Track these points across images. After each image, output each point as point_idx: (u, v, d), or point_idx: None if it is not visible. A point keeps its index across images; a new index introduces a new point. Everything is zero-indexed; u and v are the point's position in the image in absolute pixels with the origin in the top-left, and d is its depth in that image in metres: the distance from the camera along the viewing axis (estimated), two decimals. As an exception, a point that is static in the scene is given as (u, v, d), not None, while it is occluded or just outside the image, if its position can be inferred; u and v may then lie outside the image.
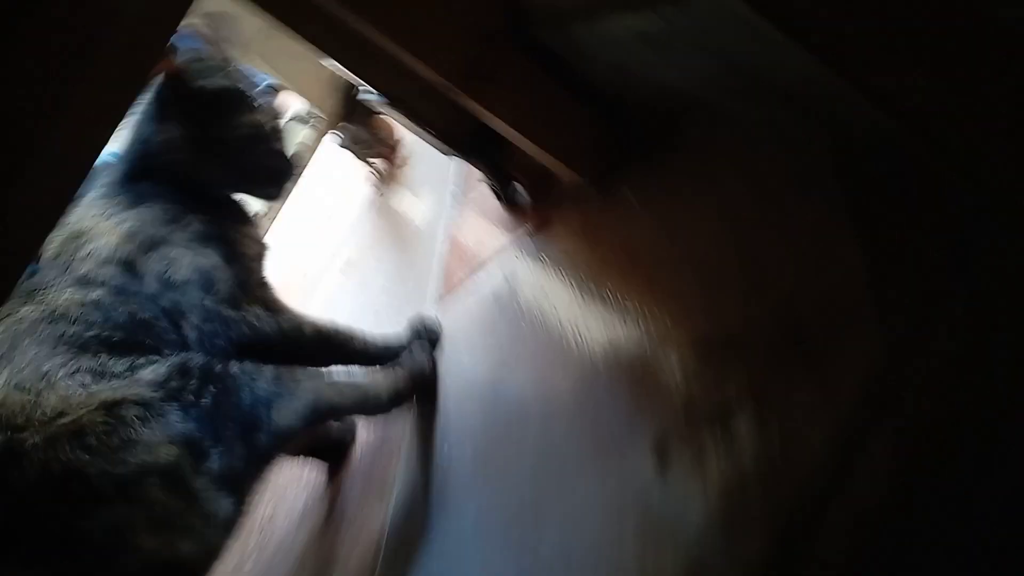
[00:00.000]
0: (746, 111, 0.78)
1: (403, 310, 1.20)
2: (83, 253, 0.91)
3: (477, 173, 1.15)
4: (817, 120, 0.69)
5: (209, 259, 0.96)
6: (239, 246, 1.03)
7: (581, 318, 0.85)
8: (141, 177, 1.02)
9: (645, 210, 0.87)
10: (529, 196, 1.09)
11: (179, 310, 0.90)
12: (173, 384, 0.79)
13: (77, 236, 0.94)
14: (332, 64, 1.11)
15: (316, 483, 1.17)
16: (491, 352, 1.00)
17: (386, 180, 1.72)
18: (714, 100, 0.82)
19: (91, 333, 0.83)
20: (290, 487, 1.22)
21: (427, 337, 1.09)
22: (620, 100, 0.96)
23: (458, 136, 1.10)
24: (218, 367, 0.83)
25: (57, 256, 0.92)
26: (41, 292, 0.86)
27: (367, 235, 1.69)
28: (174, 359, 0.81)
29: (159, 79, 1.02)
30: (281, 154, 1.10)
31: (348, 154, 1.71)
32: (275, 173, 1.10)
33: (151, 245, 0.94)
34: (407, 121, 1.11)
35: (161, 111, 1.03)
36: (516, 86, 0.93)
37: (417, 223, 1.45)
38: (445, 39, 0.90)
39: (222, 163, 1.06)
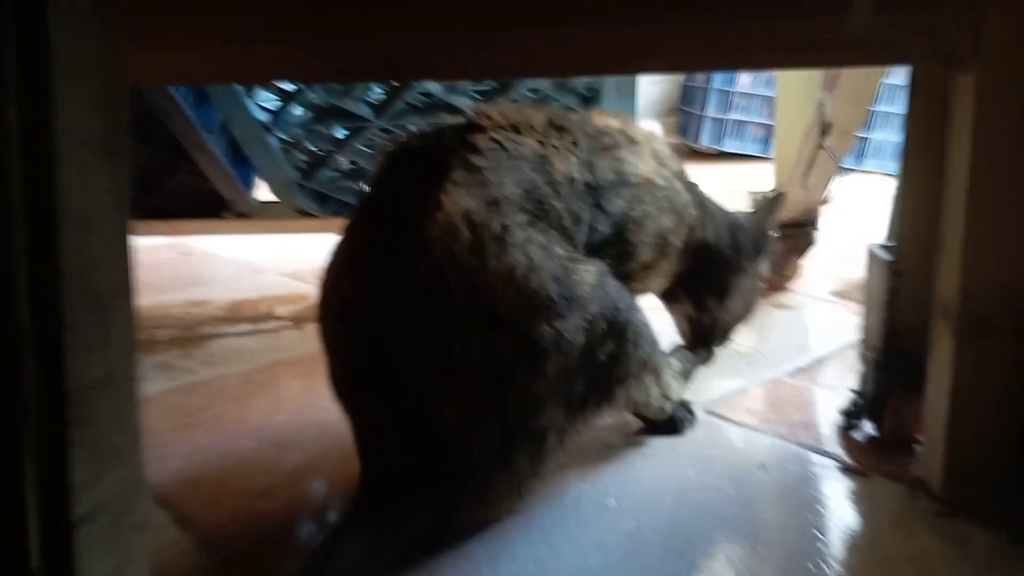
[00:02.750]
0: None
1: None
2: (618, 152, 0.87)
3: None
4: None
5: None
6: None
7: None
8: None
9: None
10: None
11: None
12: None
13: (634, 142, 0.90)
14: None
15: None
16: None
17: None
18: None
19: (557, 204, 0.76)
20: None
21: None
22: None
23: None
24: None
25: (606, 131, 0.88)
26: (558, 137, 0.81)
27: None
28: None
29: None
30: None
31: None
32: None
33: (652, 201, 0.88)
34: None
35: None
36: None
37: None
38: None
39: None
